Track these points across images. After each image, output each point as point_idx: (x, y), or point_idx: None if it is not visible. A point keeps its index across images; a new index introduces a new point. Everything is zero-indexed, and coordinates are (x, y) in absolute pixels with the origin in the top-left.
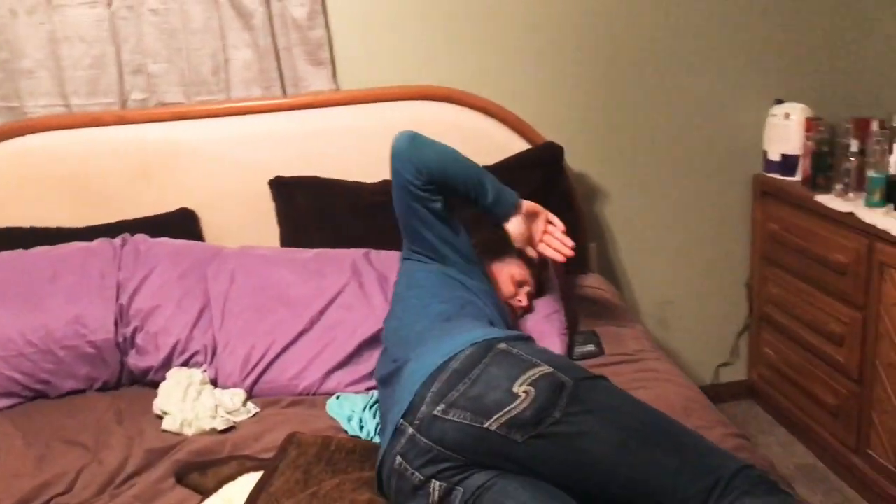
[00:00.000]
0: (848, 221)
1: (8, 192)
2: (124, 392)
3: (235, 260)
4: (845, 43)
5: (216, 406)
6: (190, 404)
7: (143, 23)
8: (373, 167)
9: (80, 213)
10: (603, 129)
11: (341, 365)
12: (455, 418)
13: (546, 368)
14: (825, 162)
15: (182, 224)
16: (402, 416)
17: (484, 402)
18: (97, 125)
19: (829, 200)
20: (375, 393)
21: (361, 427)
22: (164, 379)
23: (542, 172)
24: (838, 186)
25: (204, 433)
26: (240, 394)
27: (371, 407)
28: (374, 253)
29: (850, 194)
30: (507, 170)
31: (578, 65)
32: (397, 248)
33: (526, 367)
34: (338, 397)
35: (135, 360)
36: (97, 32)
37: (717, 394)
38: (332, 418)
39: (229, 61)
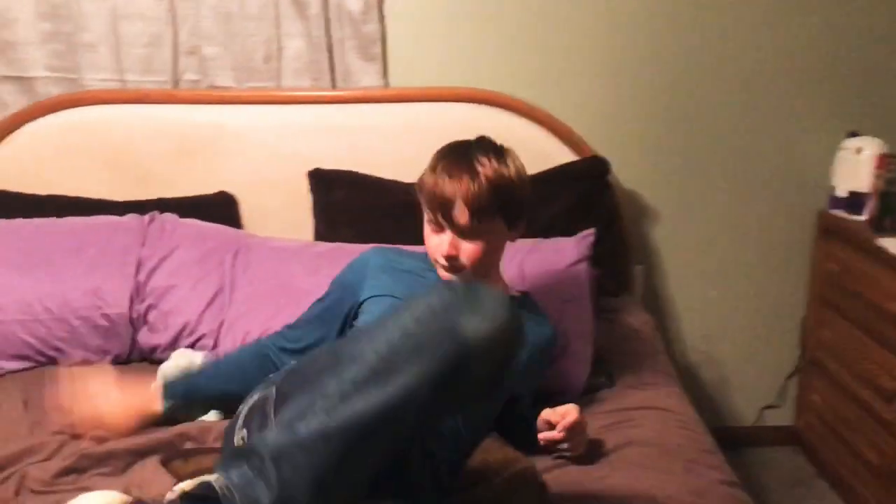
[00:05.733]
0: None
1: (59, 161)
2: (132, 367)
3: (254, 248)
4: None
5: None
6: None
7: (202, 5)
8: (411, 167)
9: (122, 187)
10: (661, 148)
11: None
12: None
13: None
14: (893, 203)
15: (220, 207)
16: None
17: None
18: (147, 102)
19: (893, 245)
20: None
21: None
22: (168, 358)
23: (584, 187)
24: None
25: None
26: None
27: None
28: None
29: None
30: (547, 181)
31: (641, 80)
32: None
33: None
34: None
35: (145, 337)
36: (157, 12)
37: (758, 437)
38: None
39: (282, 50)
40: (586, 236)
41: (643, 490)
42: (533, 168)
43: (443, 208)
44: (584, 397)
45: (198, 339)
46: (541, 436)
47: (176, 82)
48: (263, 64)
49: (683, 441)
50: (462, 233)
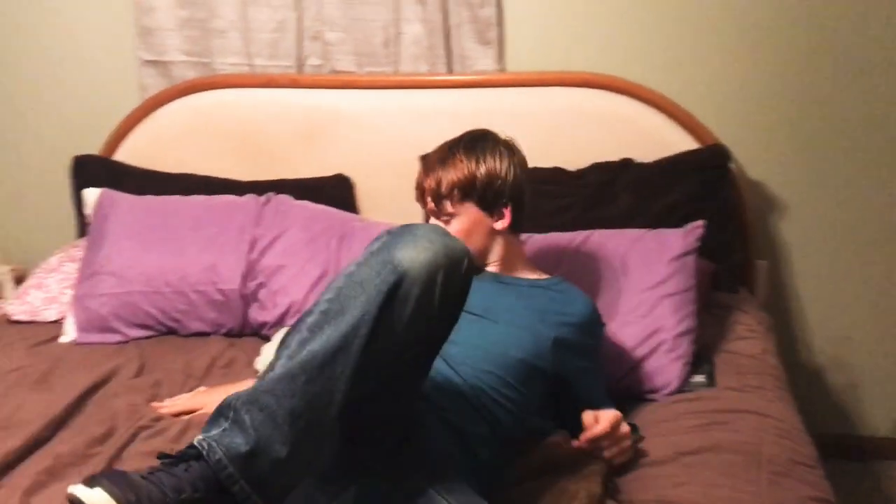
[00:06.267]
0: None
1: (190, 142)
2: (244, 341)
3: (358, 232)
4: None
5: None
6: None
7: None
8: (526, 152)
9: (247, 167)
10: (791, 136)
11: None
12: None
13: None
14: None
15: (337, 190)
16: None
17: None
18: (272, 86)
19: None
20: None
21: None
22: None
23: (702, 176)
24: None
25: None
26: None
27: None
28: None
29: None
30: (663, 170)
31: (771, 64)
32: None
33: None
34: None
35: (255, 314)
36: None
37: (891, 449)
38: None
39: (400, 35)
40: (695, 228)
41: (716, 500)
42: (653, 155)
43: (420, 194)
44: (679, 396)
45: None
46: (573, 443)
47: (300, 67)
48: (382, 48)
49: (777, 450)
50: (435, 215)
